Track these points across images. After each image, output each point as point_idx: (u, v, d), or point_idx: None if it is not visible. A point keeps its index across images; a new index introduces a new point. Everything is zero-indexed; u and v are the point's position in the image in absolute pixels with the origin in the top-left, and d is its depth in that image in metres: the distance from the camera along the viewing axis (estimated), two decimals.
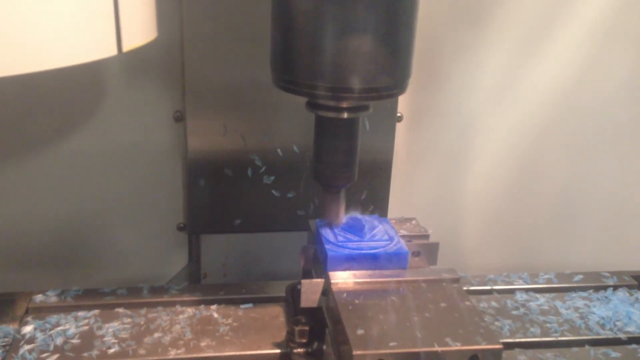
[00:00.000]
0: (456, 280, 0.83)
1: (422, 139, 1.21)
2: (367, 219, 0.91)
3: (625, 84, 1.20)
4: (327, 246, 0.84)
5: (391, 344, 0.71)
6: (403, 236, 0.92)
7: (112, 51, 0.77)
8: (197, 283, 1.22)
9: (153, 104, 1.08)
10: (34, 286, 0.98)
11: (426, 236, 0.94)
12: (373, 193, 1.17)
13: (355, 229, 0.87)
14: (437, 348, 0.70)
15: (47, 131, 1.06)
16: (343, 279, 0.81)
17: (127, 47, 0.79)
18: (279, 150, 1.10)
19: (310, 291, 0.83)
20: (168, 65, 1.06)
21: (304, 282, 0.82)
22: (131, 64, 1.05)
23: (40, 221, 1.10)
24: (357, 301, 0.78)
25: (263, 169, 1.11)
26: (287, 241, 1.18)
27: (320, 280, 0.83)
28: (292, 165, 1.11)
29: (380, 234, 0.87)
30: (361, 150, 1.05)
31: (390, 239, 0.86)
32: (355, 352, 0.69)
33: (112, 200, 1.12)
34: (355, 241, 0.85)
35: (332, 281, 0.81)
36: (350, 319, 0.74)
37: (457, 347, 0.71)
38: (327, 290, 0.82)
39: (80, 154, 1.08)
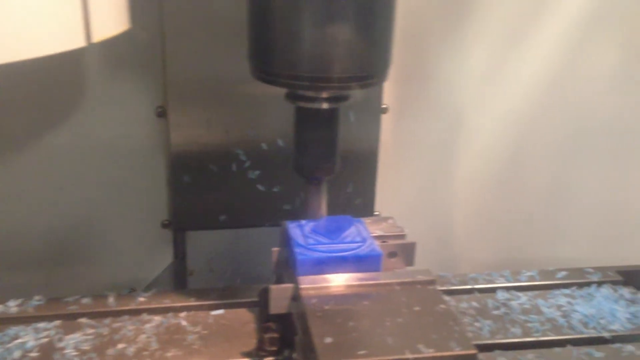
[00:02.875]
0: (432, 282, 0.80)
1: (408, 131, 1.19)
2: (339, 220, 0.87)
3: (612, 77, 1.18)
4: (296, 249, 0.80)
5: (360, 352, 0.67)
6: (378, 237, 0.88)
7: (80, 42, 0.74)
8: (183, 281, 1.20)
9: (135, 99, 1.06)
10: (14, 288, 0.94)
11: (402, 236, 0.90)
12: (359, 186, 1.15)
13: (327, 230, 0.84)
14: (408, 355, 0.67)
15: (25, 127, 1.03)
16: (313, 283, 0.78)
17: (97, 37, 0.76)
18: (263, 144, 1.09)
19: (280, 297, 0.79)
20: (149, 59, 1.04)
21: (273, 287, 0.79)
22: (112, 58, 1.03)
23: (18, 220, 1.07)
24: (326, 307, 0.74)
25: (248, 163, 1.09)
26: (274, 236, 1.15)
27: (290, 285, 0.79)
28: (277, 159, 1.09)
29: (352, 236, 0.83)
30: (346, 143, 1.03)
31: (363, 240, 0.82)
32: None
33: (94, 198, 1.09)
34: (326, 243, 0.81)
35: (301, 286, 0.77)
36: (318, 326, 0.71)
37: (430, 353, 0.67)
38: (296, 296, 0.78)
39: (59, 151, 1.05)
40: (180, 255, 1.19)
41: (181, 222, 1.14)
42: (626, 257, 1.15)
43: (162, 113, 1.07)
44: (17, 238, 1.07)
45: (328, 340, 0.69)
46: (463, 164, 1.22)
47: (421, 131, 1.19)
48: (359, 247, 0.81)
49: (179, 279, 1.20)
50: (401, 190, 1.23)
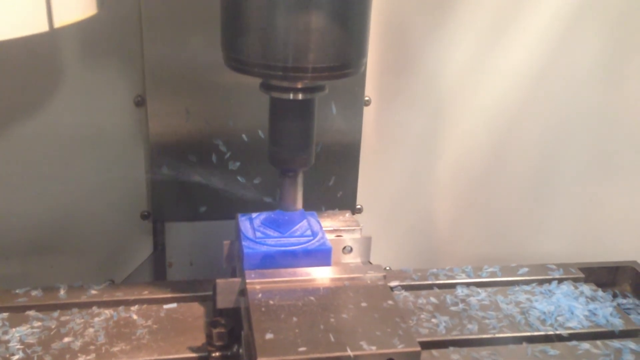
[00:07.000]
0: (382, 278, 0.79)
1: (390, 123, 1.17)
2: (290, 213, 0.86)
3: (595, 68, 1.16)
4: (244, 243, 0.79)
5: (300, 349, 0.66)
6: (333, 231, 0.87)
7: (42, 27, 0.71)
8: (163, 272, 1.18)
9: (113, 88, 1.04)
10: None
11: (358, 230, 0.89)
12: (341, 179, 1.14)
13: (277, 224, 0.82)
14: (349, 352, 0.66)
15: (1, 116, 1.01)
16: (259, 278, 0.77)
17: (59, 22, 0.73)
18: (243, 135, 1.07)
19: (227, 291, 0.78)
20: (128, 47, 1.02)
21: (219, 281, 0.78)
22: (89, 46, 1.01)
23: None
24: (271, 302, 0.73)
25: (228, 154, 1.08)
26: None
27: (237, 280, 0.78)
28: (257, 151, 1.07)
29: (302, 229, 0.82)
30: (328, 135, 0.99)
31: (314, 234, 0.81)
32: (259, 359, 0.64)
33: (72, 189, 1.08)
34: (275, 237, 0.80)
35: (247, 280, 0.76)
36: (260, 322, 0.70)
37: (371, 350, 0.66)
38: (243, 290, 0.77)
39: (36, 140, 1.03)
40: (159, 246, 1.18)
41: (160, 213, 1.13)
42: (607, 252, 1.14)
43: (140, 102, 1.06)
44: None
45: (269, 336, 0.68)
46: (445, 156, 1.21)
47: (404, 123, 1.17)
48: (308, 241, 0.80)
49: (158, 271, 1.19)
50: (383, 183, 1.21)
